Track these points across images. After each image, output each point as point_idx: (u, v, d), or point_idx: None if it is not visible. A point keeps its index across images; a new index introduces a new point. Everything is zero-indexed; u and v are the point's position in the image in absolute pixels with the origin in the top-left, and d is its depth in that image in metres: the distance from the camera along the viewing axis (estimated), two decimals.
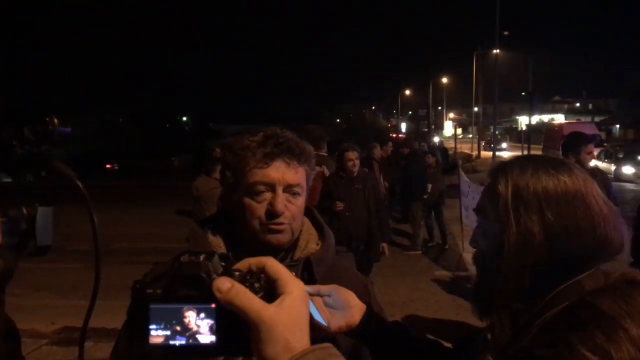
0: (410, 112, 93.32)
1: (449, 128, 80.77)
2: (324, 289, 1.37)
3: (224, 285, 0.72)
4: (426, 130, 61.13)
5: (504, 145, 33.02)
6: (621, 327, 0.97)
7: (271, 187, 1.44)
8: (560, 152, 5.21)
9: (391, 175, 10.58)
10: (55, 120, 0.83)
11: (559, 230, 1.09)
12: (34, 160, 0.83)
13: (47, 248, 0.87)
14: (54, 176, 0.84)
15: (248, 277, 0.75)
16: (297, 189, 1.47)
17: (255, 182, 1.43)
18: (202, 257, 0.76)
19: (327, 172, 6.76)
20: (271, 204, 1.43)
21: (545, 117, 79.34)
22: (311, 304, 1.29)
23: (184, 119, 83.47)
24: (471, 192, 10.00)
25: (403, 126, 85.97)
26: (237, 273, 0.76)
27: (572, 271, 1.10)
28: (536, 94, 32.06)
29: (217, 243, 1.53)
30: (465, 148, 50.28)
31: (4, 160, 0.82)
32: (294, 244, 1.54)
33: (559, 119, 78.64)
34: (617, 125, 65.20)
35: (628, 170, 24.68)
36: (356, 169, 6.08)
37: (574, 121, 49.74)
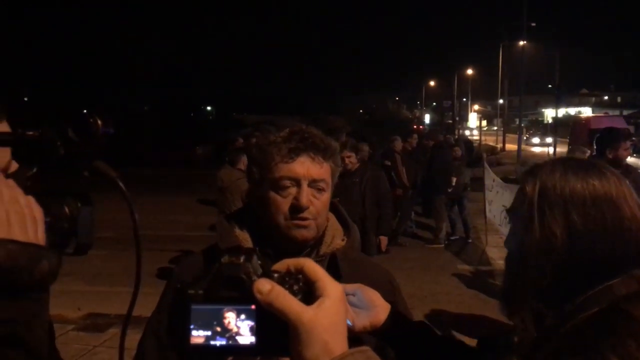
0: (434, 104, 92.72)
1: (473, 120, 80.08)
2: (348, 287, 1.37)
3: (264, 287, 0.73)
4: (450, 121, 60.64)
5: (549, 139, 30.70)
6: None
7: (296, 181, 1.45)
8: (595, 148, 5.14)
9: (414, 168, 10.53)
10: (99, 122, 0.84)
11: (584, 233, 1.08)
12: (77, 161, 0.84)
13: (88, 247, 0.89)
14: (95, 176, 0.86)
15: (287, 279, 0.76)
16: (322, 185, 1.48)
17: (281, 176, 1.45)
18: (242, 259, 0.77)
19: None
20: (296, 198, 1.44)
21: (572, 110, 78.24)
22: None
23: (208, 108, 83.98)
24: (495, 186, 9.91)
25: (427, 117, 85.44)
26: (276, 275, 0.77)
27: (602, 276, 1.08)
28: (563, 86, 31.57)
29: (244, 237, 1.54)
30: (489, 140, 49.82)
31: (48, 159, 0.84)
32: (319, 239, 1.55)
33: (586, 112, 77.48)
34: None
35: None
36: (353, 166, 6.12)
37: (602, 114, 48.84)
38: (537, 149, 43.94)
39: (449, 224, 10.90)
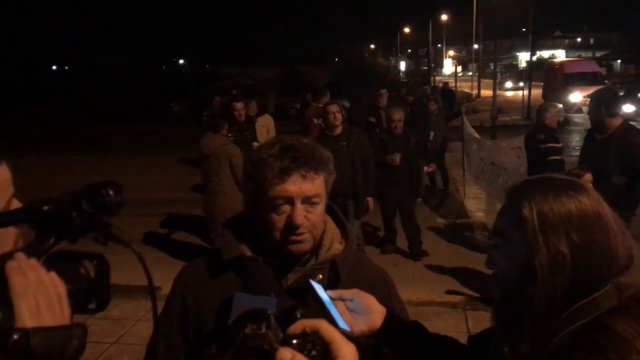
0: (409, 50, 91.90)
1: (448, 66, 79.71)
2: (346, 293, 1.44)
3: (286, 356, 0.80)
4: (426, 68, 60.31)
5: (521, 84, 28.46)
6: (635, 350, 1.03)
7: (289, 200, 1.48)
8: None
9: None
10: (111, 192, 0.88)
11: (584, 251, 1.14)
12: (93, 228, 0.89)
13: (107, 303, 0.94)
14: (110, 241, 0.90)
15: (305, 344, 0.83)
16: (315, 199, 1.50)
17: (274, 196, 1.47)
18: (264, 328, 0.83)
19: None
20: (290, 216, 1.48)
21: (546, 53, 78.30)
22: (334, 309, 1.38)
23: (181, 61, 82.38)
24: (472, 140, 10.03)
25: (402, 65, 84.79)
26: (294, 341, 0.83)
27: (589, 289, 1.15)
28: (537, 29, 31.48)
29: (245, 247, 1.58)
30: (465, 87, 49.74)
31: (65, 229, 0.88)
32: (317, 243, 1.58)
33: (560, 54, 77.58)
34: (619, 61, 64.43)
35: (628, 108, 24.51)
36: (338, 122, 6.18)
37: (575, 58, 48.94)
38: (510, 93, 44.16)
39: (428, 177, 11.03)
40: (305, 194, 1.48)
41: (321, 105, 8.20)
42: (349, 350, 0.83)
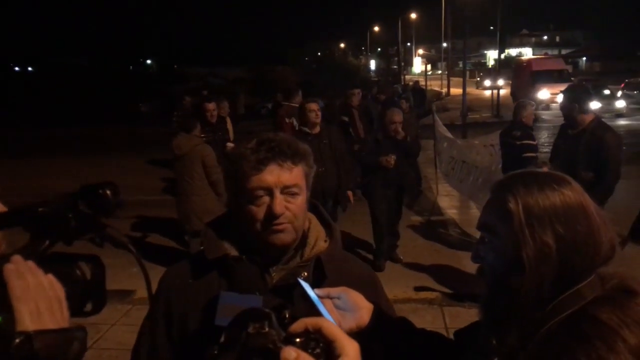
0: (379, 49, 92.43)
1: (418, 65, 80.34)
2: (333, 291, 1.45)
3: (291, 355, 0.80)
4: (395, 67, 60.66)
5: (501, 82, 28.62)
6: (620, 338, 1.06)
7: (268, 191, 1.48)
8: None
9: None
10: (109, 193, 0.87)
11: (569, 242, 1.17)
12: (90, 229, 0.87)
13: (103, 305, 0.93)
14: (107, 242, 0.89)
15: (309, 343, 0.83)
16: (294, 189, 1.51)
17: (253, 187, 1.48)
18: (267, 327, 0.83)
19: (296, 125, 6.83)
20: (270, 207, 1.48)
21: (513, 51, 79.63)
22: (322, 307, 1.38)
23: (148, 62, 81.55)
24: (443, 139, 10.13)
25: (372, 64, 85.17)
26: (297, 340, 0.83)
27: (574, 279, 1.18)
28: (504, 28, 31.99)
29: (229, 246, 1.57)
30: (435, 85, 50.20)
31: (61, 231, 0.86)
32: (302, 241, 1.59)
33: (527, 52, 78.98)
34: (584, 58, 65.88)
35: (595, 105, 25.04)
36: (319, 120, 6.20)
37: (542, 56, 49.90)
38: (488, 92, 44.79)
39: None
40: (284, 184, 1.49)
41: (294, 105, 8.19)
42: (352, 348, 0.84)
